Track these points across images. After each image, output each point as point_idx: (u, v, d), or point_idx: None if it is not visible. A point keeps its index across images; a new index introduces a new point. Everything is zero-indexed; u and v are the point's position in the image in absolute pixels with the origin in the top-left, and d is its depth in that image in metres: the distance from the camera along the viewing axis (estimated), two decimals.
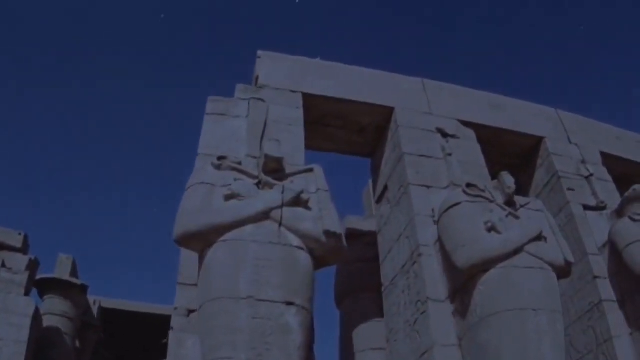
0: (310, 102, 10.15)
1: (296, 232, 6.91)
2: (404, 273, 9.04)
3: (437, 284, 8.32)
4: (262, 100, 9.67)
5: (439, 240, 8.38)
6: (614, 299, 8.71)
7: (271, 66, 10.36)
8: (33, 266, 13.45)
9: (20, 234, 13.49)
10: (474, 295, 7.56)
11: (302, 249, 6.90)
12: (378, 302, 10.46)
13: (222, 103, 9.47)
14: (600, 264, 9.11)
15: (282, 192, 7.10)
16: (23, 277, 12.76)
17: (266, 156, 7.47)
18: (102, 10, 33.38)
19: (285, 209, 7.02)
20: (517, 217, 8.05)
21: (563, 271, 7.74)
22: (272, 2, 34.29)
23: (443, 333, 7.91)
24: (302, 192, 7.15)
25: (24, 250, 13.43)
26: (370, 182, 13.05)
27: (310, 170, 7.75)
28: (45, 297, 14.87)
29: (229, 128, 9.11)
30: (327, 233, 6.89)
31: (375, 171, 11.09)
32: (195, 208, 6.97)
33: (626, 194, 9.20)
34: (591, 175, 10.34)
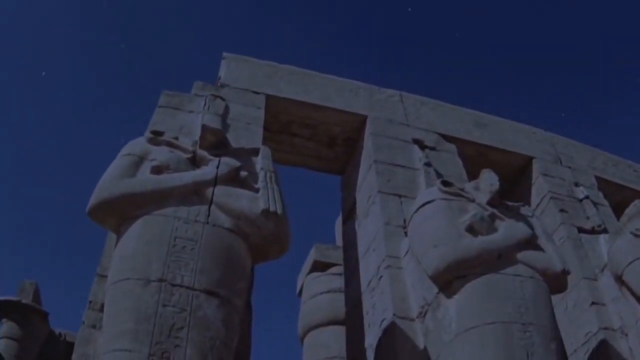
0: (275, 106, 9.25)
1: (229, 212, 5.82)
2: (369, 291, 7.76)
3: (405, 299, 7.05)
4: (222, 98, 8.77)
5: (410, 248, 7.17)
6: (615, 327, 7.35)
7: (235, 67, 9.54)
8: None
9: None
10: (448, 307, 6.26)
11: (234, 232, 5.75)
12: (344, 335, 9.06)
13: (177, 97, 8.60)
14: (598, 289, 7.84)
15: (217, 167, 6.04)
16: None
17: (204, 127, 6.47)
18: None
19: (218, 185, 5.94)
20: (502, 219, 6.87)
21: (558, 281, 6.46)
22: (246, 9, 33.54)
23: (411, 357, 6.55)
24: (240, 167, 6.09)
25: None
26: None
27: (256, 151, 6.72)
28: (4, 320, 14.33)
29: (180, 121, 8.16)
30: (265, 213, 5.76)
31: (345, 189, 9.99)
32: (114, 178, 5.90)
33: (627, 210, 8.14)
34: (586, 197, 9.21)
